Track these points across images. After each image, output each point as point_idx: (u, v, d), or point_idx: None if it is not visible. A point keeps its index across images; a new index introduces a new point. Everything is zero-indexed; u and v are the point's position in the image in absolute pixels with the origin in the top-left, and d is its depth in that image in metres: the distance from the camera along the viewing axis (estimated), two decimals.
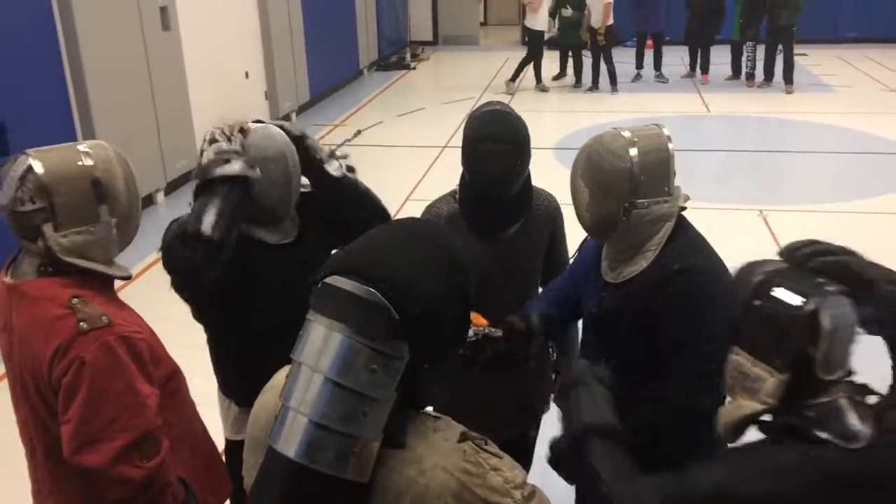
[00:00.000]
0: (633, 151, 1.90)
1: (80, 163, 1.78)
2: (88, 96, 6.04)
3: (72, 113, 6.00)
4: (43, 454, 1.83)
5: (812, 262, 1.40)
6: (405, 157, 8.34)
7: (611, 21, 10.67)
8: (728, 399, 1.47)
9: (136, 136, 6.62)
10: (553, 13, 10.95)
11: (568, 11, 10.64)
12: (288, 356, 1.21)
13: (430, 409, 1.28)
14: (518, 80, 11.31)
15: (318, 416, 1.12)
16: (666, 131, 1.99)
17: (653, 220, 1.94)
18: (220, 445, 2.34)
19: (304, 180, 2.29)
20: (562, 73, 11.75)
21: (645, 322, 1.93)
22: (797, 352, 1.32)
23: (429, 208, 2.53)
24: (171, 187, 7.31)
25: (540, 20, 10.88)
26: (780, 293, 1.34)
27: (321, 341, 1.14)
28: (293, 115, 10.02)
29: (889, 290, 1.39)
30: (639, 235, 1.94)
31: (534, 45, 11.18)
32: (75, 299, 1.72)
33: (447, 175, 8.91)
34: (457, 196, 2.43)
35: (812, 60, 12.56)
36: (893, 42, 13.71)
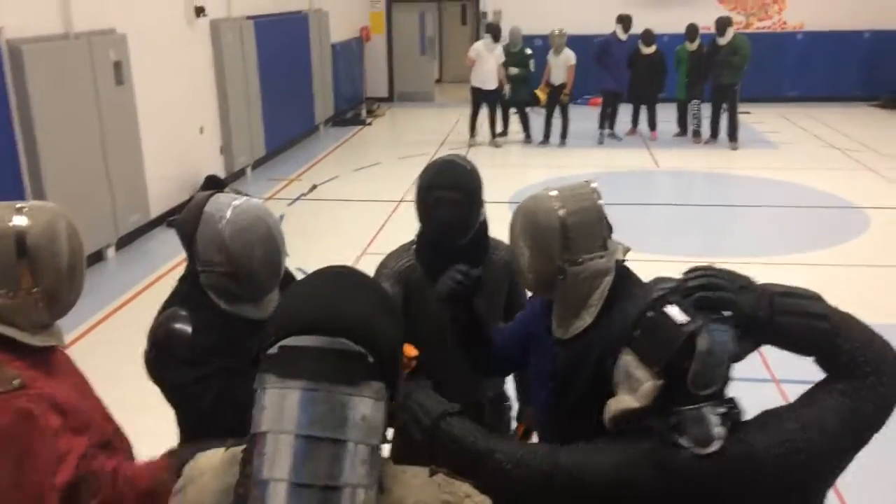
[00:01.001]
0: (562, 212, 1.93)
1: (8, 223, 1.68)
2: (38, 149, 5.95)
3: (20, 165, 5.89)
4: None
5: (696, 293, 1.53)
6: (361, 212, 8.36)
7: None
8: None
9: (88, 191, 6.53)
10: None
11: (514, 70, 10.96)
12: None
13: None
14: (475, 135, 11.49)
15: (323, 479, 1.07)
16: (595, 185, 2.03)
17: (591, 276, 1.96)
18: None
19: None
20: (504, 132, 11.90)
21: (599, 381, 1.93)
22: (673, 364, 1.46)
23: (383, 263, 2.54)
24: (122, 242, 7.19)
25: (476, 77, 11.10)
26: (671, 310, 1.49)
27: (299, 404, 1.09)
28: (248, 170, 10.00)
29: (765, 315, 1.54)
30: (579, 291, 1.96)
31: (473, 100, 11.39)
32: None
33: (403, 229, 8.96)
34: (411, 249, 2.49)
35: (755, 118, 13.03)
36: (832, 101, 14.32)
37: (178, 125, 8.36)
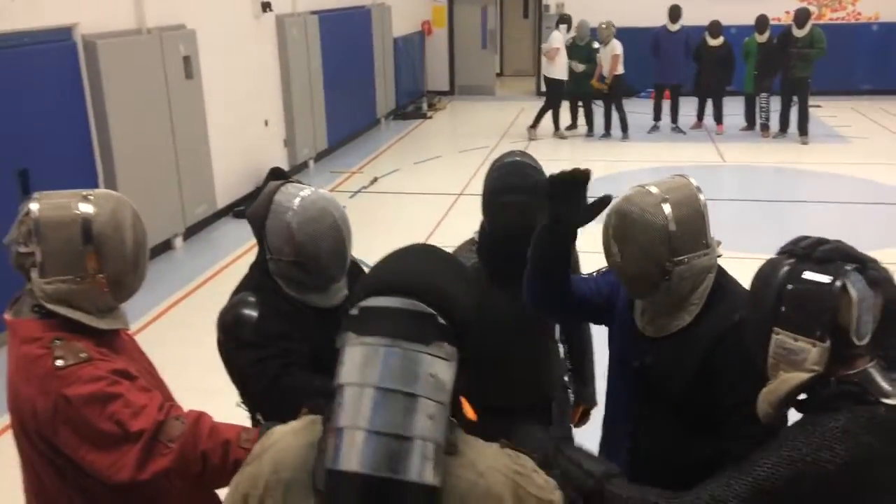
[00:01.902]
0: (667, 209, 1.83)
1: (76, 210, 1.74)
2: (111, 141, 6.16)
3: (94, 159, 6.12)
4: (53, 483, 1.78)
5: (815, 251, 1.57)
6: (421, 204, 8.40)
7: (621, 71, 10.90)
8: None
9: (157, 182, 6.73)
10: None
11: (579, 67, 10.90)
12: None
13: None
14: (538, 127, 11.43)
15: (388, 427, 1.14)
16: (693, 181, 1.94)
17: (694, 275, 1.88)
18: None
19: None
20: (573, 125, 11.88)
21: (704, 378, 1.86)
22: (834, 321, 1.51)
23: None
24: (190, 232, 7.39)
25: (558, 69, 11.05)
26: (810, 275, 1.54)
27: (377, 359, 1.17)
28: (311, 163, 10.15)
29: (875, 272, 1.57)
30: (681, 291, 1.88)
31: (551, 93, 11.34)
32: (57, 341, 1.70)
33: (463, 222, 8.95)
34: (475, 247, 2.44)
35: (827, 112, 12.62)
36: None
37: (244, 118, 8.53)
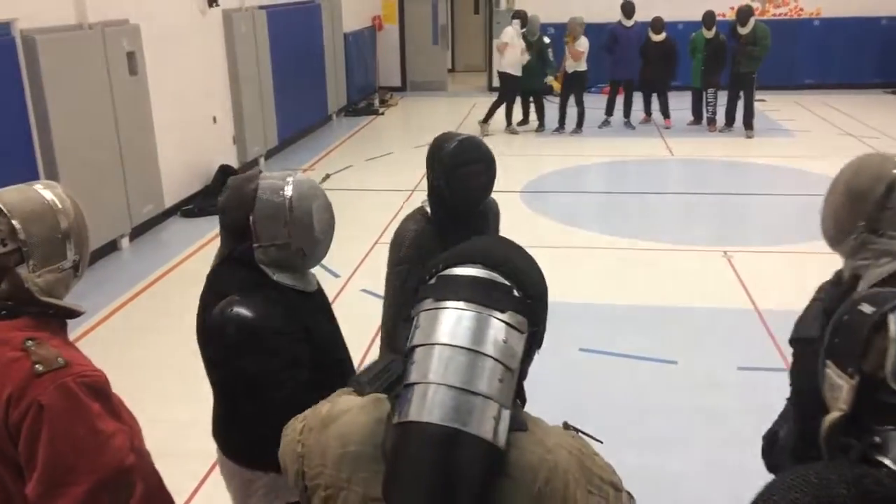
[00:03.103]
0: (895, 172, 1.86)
1: (43, 202, 1.76)
2: (52, 140, 5.98)
3: (35, 157, 5.93)
4: None
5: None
6: (375, 200, 8.36)
7: (584, 67, 11.05)
8: None
9: (102, 181, 6.57)
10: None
11: (524, 58, 10.96)
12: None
13: None
14: (490, 122, 11.45)
15: (462, 383, 1.18)
16: None
17: (877, 254, 1.90)
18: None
19: None
20: (525, 120, 11.93)
21: None
22: (864, 357, 1.36)
23: (402, 227, 2.76)
24: (136, 232, 7.22)
25: (508, 63, 11.08)
26: (863, 307, 1.41)
27: (453, 321, 1.22)
28: (261, 160, 10.02)
29: None
30: (861, 261, 1.94)
31: (504, 87, 11.38)
32: (29, 342, 1.67)
33: None
34: (423, 215, 2.73)
35: (771, 106, 12.91)
36: (848, 88, 14.17)
37: (192, 115, 8.37)
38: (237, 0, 9.38)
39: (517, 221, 7.81)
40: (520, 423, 1.25)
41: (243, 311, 2.00)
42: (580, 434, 1.34)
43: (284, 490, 2.03)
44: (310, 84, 11.72)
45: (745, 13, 10.75)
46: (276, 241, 2.04)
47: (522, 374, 1.27)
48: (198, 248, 7.00)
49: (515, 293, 1.26)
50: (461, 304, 1.23)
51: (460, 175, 2.58)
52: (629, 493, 1.33)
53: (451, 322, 1.22)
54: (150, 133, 7.37)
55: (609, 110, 11.81)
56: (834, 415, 1.40)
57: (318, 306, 2.21)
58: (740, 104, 11.04)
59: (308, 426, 1.38)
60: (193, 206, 8.04)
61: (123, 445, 1.69)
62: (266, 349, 2.00)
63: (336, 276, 6.01)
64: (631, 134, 11.50)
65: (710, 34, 11.15)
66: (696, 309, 5.56)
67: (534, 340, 1.28)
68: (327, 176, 9.37)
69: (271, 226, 2.04)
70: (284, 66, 10.45)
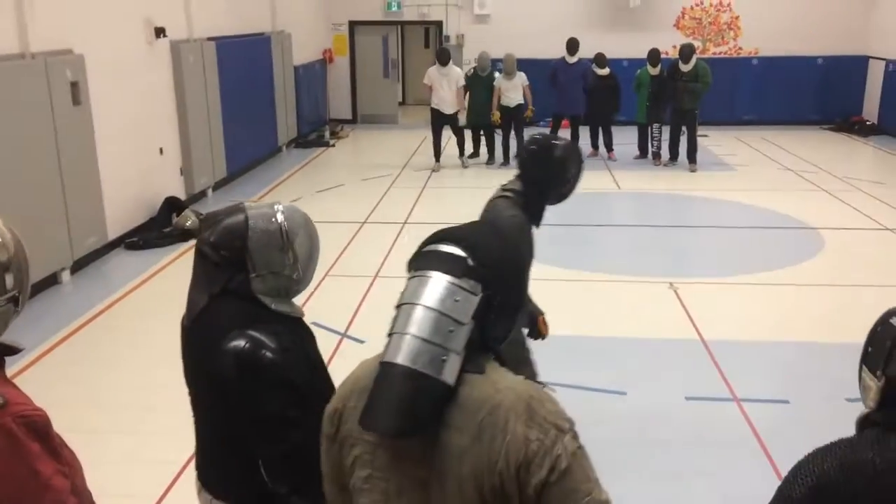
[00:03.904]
0: None
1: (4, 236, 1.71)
2: None
3: None
4: None
5: None
6: (324, 233, 8.17)
7: (521, 101, 11.29)
8: None
9: (42, 213, 6.40)
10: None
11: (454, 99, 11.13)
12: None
13: None
14: (440, 158, 11.50)
15: (419, 333, 1.50)
16: None
17: None
18: None
19: None
20: (475, 153, 12.07)
21: None
22: (887, 363, 1.62)
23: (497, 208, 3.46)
24: (78, 265, 7.03)
25: (434, 100, 11.24)
26: (893, 320, 1.66)
27: (421, 285, 1.55)
28: (209, 192, 9.89)
29: None
30: None
31: (432, 122, 11.48)
32: None
33: (368, 250, 8.92)
34: (513, 203, 3.42)
35: (713, 141, 13.27)
36: (786, 124, 14.67)
37: (138, 146, 8.24)
38: (185, 31, 9.32)
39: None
40: (478, 367, 1.53)
41: (255, 345, 1.96)
42: (541, 385, 1.56)
43: None
44: (259, 116, 11.66)
45: (688, 50, 11.09)
46: (273, 269, 2.08)
47: (488, 330, 1.55)
48: (142, 282, 6.85)
49: (470, 262, 1.55)
50: (427, 272, 1.56)
51: (574, 172, 3.44)
52: (575, 435, 1.51)
53: (418, 286, 1.56)
54: (93, 164, 7.22)
55: None
56: (864, 410, 1.68)
57: (309, 333, 2.23)
58: (684, 139, 11.34)
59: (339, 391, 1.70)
60: (138, 239, 7.87)
61: (64, 487, 1.63)
62: (280, 383, 1.97)
63: None
64: None
65: (655, 71, 11.46)
66: (644, 340, 5.62)
67: (490, 302, 1.55)
68: None
69: (268, 253, 2.07)
70: (233, 98, 10.38)
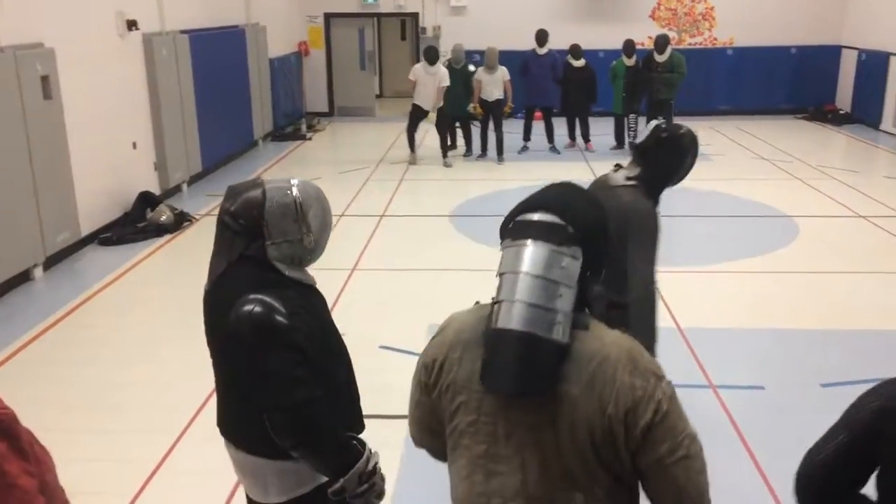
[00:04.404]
0: None
1: None
2: None
3: None
4: None
5: None
6: None
7: (500, 95, 11.20)
8: None
9: (13, 208, 6.29)
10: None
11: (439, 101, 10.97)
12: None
13: None
14: (416, 150, 11.46)
15: (531, 299, 1.63)
16: None
17: None
18: None
19: None
20: (452, 145, 12.01)
21: None
22: None
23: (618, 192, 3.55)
24: (51, 261, 6.93)
25: (418, 97, 11.06)
26: None
27: (525, 255, 1.67)
28: (184, 186, 9.79)
29: None
30: None
31: (411, 116, 11.31)
32: None
33: (345, 244, 8.86)
34: (638, 189, 3.60)
35: None
36: (761, 114, 14.80)
37: (110, 141, 8.13)
38: (158, 24, 9.20)
39: (450, 246, 7.85)
40: (583, 324, 1.67)
41: (265, 308, 2.12)
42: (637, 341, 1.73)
43: (298, 474, 2.26)
44: (235, 109, 11.56)
45: (662, 41, 11.13)
46: (288, 237, 2.24)
47: (585, 290, 1.70)
48: (116, 277, 6.77)
49: (570, 230, 1.67)
50: (530, 241, 1.68)
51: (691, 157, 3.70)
52: (669, 381, 1.68)
53: (524, 255, 1.67)
54: (65, 159, 7.11)
55: (526, 135, 12.00)
56: None
57: (321, 299, 2.41)
58: None
59: (428, 345, 1.84)
60: (112, 235, 7.77)
61: (31, 487, 1.59)
62: (288, 344, 2.12)
63: None
64: (556, 159, 11.70)
65: (630, 62, 11.50)
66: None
67: (591, 264, 1.70)
68: None
69: (283, 223, 2.24)
70: (208, 91, 10.28)
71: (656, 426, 1.62)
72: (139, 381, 4.89)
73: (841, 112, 14.60)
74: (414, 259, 7.12)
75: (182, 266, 7.09)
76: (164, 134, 9.14)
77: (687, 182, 3.98)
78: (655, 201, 3.64)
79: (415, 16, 15.49)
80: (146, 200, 8.35)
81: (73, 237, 7.26)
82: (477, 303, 1.86)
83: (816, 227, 8.16)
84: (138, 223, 8.04)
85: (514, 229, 1.73)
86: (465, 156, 11.73)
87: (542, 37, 11.59)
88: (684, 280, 6.62)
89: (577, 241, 1.68)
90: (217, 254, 2.29)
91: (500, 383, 1.64)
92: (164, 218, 8.02)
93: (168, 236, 7.86)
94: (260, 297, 2.13)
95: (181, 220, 8.21)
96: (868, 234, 7.93)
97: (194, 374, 4.81)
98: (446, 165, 11.22)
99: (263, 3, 12.88)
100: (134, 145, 8.66)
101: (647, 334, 3.65)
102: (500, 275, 1.69)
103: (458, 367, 1.74)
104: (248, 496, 2.42)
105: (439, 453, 1.87)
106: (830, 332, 5.56)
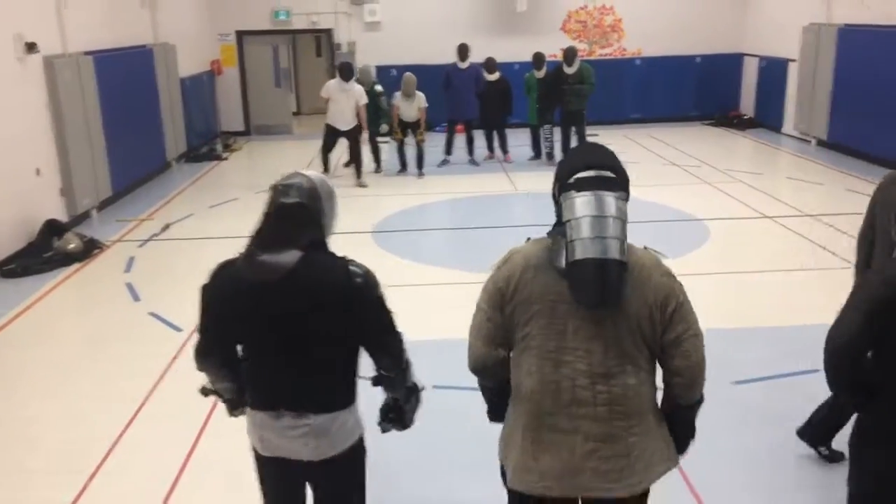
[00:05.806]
0: None
1: None
2: None
3: None
4: None
5: None
6: (218, 250, 7.93)
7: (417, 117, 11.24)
8: None
9: None
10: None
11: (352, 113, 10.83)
12: None
13: None
14: (329, 169, 11.31)
15: (612, 234, 2.23)
16: None
17: None
18: None
19: None
20: (377, 168, 11.83)
21: None
22: None
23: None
24: None
25: (330, 115, 10.82)
26: None
27: (595, 201, 2.25)
28: (94, 212, 9.44)
29: None
30: None
31: (324, 135, 11.09)
32: None
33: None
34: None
35: (603, 140, 13.30)
36: (670, 121, 15.29)
37: (11, 168, 7.78)
38: (60, 45, 8.88)
39: (374, 262, 7.74)
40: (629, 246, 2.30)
41: (366, 268, 2.48)
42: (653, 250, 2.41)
43: (355, 422, 2.59)
44: (145, 131, 11.23)
45: (571, 53, 11.37)
46: (333, 220, 2.53)
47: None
48: (22, 311, 6.45)
49: (618, 181, 2.31)
50: (591, 192, 2.26)
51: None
52: (680, 282, 2.34)
53: (590, 203, 2.25)
54: None
55: (448, 149, 12.06)
56: None
57: None
58: (575, 139, 11.61)
59: (497, 266, 2.43)
60: (16, 266, 7.41)
61: None
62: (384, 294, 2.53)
63: (178, 329, 5.67)
64: (475, 171, 11.80)
65: (540, 74, 11.71)
66: None
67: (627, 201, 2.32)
68: (167, 226, 8.96)
69: (332, 209, 2.52)
70: (116, 113, 9.96)
71: (676, 311, 2.30)
72: (50, 418, 4.66)
73: (745, 117, 15.24)
74: None
75: (92, 295, 6.79)
76: (69, 159, 8.80)
77: None
78: None
79: (329, 32, 15.40)
80: (52, 228, 8.00)
81: None
82: (528, 239, 2.42)
83: (726, 229, 8.46)
84: (44, 253, 7.69)
85: (577, 184, 2.28)
86: (376, 172, 11.57)
87: (463, 50, 11.70)
88: None
89: (624, 188, 2.32)
90: (272, 247, 2.44)
91: (592, 298, 2.21)
92: (71, 246, 7.70)
93: (77, 265, 7.54)
94: (354, 261, 2.47)
95: (91, 248, 7.90)
96: (774, 235, 8.27)
97: (104, 408, 4.68)
98: (361, 185, 10.98)
99: (172, 22, 12.59)
100: (38, 171, 8.31)
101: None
102: (567, 221, 2.23)
103: (532, 283, 2.30)
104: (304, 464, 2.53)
105: (495, 365, 2.41)
106: (743, 330, 5.75)
